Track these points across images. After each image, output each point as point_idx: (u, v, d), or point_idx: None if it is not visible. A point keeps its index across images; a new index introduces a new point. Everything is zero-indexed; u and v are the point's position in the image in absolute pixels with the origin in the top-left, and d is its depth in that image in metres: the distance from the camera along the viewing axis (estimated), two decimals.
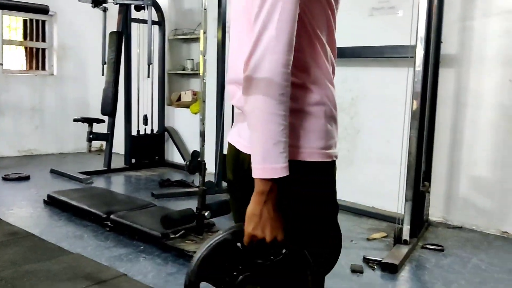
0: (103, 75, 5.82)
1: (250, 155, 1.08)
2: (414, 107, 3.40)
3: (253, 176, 1.04)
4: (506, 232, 3.85)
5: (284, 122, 1.01)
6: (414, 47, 3.38)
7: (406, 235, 3.42)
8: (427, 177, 3.96)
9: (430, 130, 3.91)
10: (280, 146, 1.01)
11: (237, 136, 1.20)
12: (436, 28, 3.76)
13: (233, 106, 1.67)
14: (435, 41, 3.79)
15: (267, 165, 1.02)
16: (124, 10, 5.82)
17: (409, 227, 3.42)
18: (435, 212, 4.14)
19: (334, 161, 1.16)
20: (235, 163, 1.21)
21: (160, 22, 6.18)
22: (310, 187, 1.12)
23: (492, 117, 3.88)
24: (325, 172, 1.14)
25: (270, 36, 0.99)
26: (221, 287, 1.11)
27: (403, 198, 3.49)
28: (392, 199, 3.68)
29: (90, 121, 5.56)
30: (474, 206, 4.00)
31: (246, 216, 1.06)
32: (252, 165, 1.04)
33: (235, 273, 1.09)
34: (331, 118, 1.13)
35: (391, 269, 3.04)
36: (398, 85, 3.80)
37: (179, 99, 6.57)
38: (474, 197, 4.00)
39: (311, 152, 1.10)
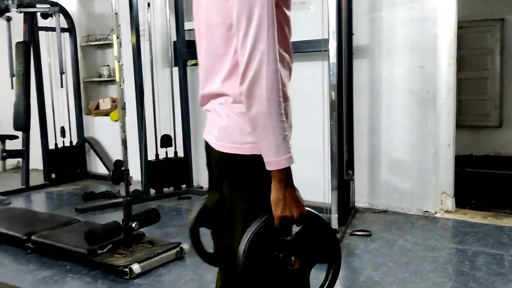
0: (12, 88, 5.49)
1: (221, 152, 1.32)
2: (332, 98, 3.48)
3: (269, 169, 1.24)
4: (427, 211, 4.04)
5: (284, 119, 1.24)
6: (327, 41, 3.46)
7: (334, 224, 3.50)
8: (350, 165, 4.08)
9: (349, 119, 4.02)
10: (287, 139, 1.24)
11: (209, 135, 1.40)
12: (347, 21, 3.86)
13: None
14: (347, 33, 3.89)
15: (281, 157, 1.23)
16: (30, 18, 5.51)
17: (337, 216, 3.50)
18: (360, 198, 4.27)
19: None
20: (212, 159, 1.41)
21: (70, 29, 5.91)
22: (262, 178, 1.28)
23: (405, 102, 4.06)
24: None
25: (263, 50, 1.19)
26: (270, 270, 1.29)
27: (329, 188, 3.57)
28: (318, 190, 3.76)
29: (1, 138, 5.23)
30: (396, 189, 4.17)
31: (272, 203, 1.26)
32: (266, 159, 1.24)
33: (275, 253, 1.29)
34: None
35: None
36: (315, 79, 3.88)
37: (97, 107, 6.34)
38: (395, 181, 4.17)
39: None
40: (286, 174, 1.24)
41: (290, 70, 1.39)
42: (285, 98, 1.33)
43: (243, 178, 1.33)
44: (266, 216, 1.28)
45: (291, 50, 1.39)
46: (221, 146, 1.35)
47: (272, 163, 1.23)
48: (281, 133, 1.22)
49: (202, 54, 1.42)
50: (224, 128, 1.33)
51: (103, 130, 6.12)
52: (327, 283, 1.39)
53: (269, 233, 1.28)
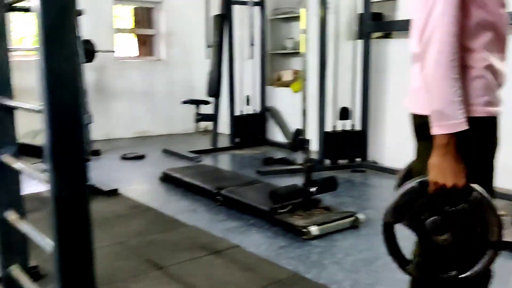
0: (207, 58, 6.05)
1: (414, 113, 1.37)
2: None
3: (432, 132, 1.24)
4: None
5: (456, 84, 1.21)
6: None
7: None
8: None
9: None
10: (455, 105, 1.20)
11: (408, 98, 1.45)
12: None
13: None
14: None
15: (443, 122, 1.21)
16: None
17: None
18: None
19: (494, 117, 1.33)
20: (411, 122, 1.45)
21: (261, 3, 6.26)
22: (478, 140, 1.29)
23: None
24: (486, 127, 1.32)
25: (438, 12, 1.20)
26: (413, 227, 1.34)
27: None
28: (509, 176, 3.49)
29: (197, 103, 5.83)
30: None
31: (429, 167, 1.27)
32: (431, 123, 1.24)
33: (423, 217, 1.31)
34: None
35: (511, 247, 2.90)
36: None
37: (279, 78, 6.65)
38: None
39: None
40: (448, 141, 1.22)
41: (500, 39, 1.32)
42: (489, 66, 1.29)
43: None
44: (421, 179, 1.30)
45: (505, 17, 1.33)
46: (413, 107, 1.41)
47: (434, 127, 1.24)
48: (447, 99, 1.20)
49: (412, 22, 1.44)
50: (415, 90, 1.38)
51: (284, 100, 6.42)
52: (475, 266, 1.32)
53: (423, 195, 1.29)
